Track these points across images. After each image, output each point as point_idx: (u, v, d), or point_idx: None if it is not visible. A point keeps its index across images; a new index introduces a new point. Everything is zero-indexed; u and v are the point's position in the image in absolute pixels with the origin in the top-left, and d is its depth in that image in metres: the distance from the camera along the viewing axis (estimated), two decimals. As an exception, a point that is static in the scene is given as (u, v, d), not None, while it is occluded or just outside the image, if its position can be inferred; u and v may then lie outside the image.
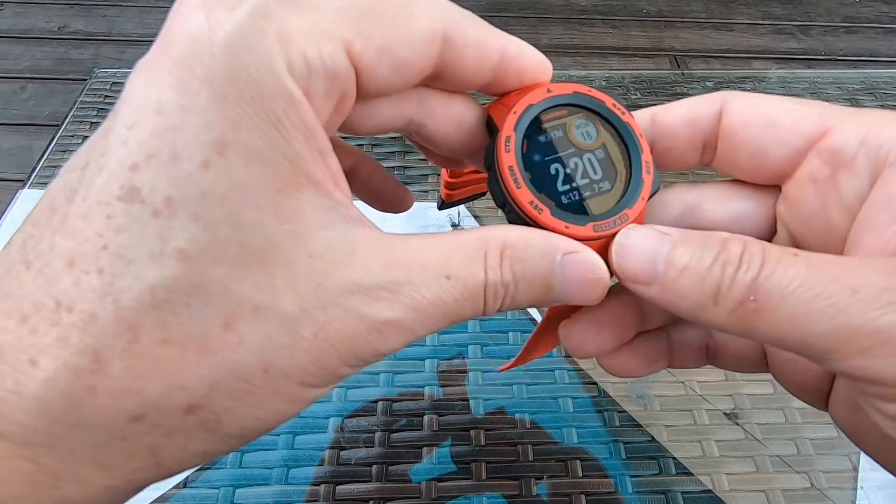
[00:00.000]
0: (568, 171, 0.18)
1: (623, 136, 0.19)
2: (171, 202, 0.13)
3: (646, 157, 0.19)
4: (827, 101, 0.57)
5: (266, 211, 0.14)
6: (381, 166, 0.24)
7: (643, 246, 0.17)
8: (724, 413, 0.36)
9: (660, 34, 0.76)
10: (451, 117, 0.19)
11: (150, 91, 0.14)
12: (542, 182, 0.18)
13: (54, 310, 0.13)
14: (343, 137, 0.23)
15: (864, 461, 0.34)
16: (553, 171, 0.18)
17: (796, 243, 0.19)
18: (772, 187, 0.20)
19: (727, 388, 0.37)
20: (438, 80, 0.18)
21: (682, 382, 0.37)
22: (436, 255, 0.16)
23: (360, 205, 0.21)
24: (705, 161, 0.20)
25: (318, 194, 0.15)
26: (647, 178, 0.19)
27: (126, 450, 0.14)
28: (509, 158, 0.18)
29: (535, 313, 0.40)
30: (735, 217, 0.20)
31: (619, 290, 0.19)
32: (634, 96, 0.56)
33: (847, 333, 0.14)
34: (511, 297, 0.17)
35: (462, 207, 0.47)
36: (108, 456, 0.14)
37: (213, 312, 0.14)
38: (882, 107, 0.57)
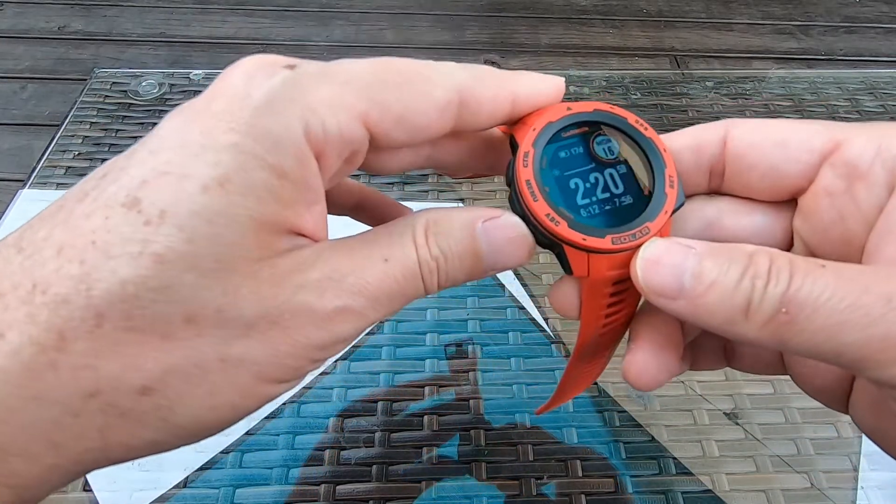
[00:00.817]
0: (588, 185, 0.19)
1: (646, 151, 0.19)
2: (164, 215, 0.15)
3: (669, 171, 0.19)
4: (827, 101, 0.57)
5: (245, 238, 0.16)
6: (383, 196, 0.25)
7: (668, 260, 0.17)
8: (724, 413, 0.36)
9: (660, 34, 0.76)
10: (463, 150, 0.21)
11: (179, 131, 0.16)
12: (561, 196, 0.18)
13: (30, 290, 0.15)
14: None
15: (864, 461, 0.34)
16: (573, 186, 0.18)
17: (813, 255, 0.19)
18: (788, 201, 0.20)
19: (727, 388, 0.37)
20: (455, 131, 0.19)
21: (683, 382, 0.37)
22: (374, 245, 0.18)
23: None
24: (713, 187, 0.21)
25: (295, 236, 0.17)
26: (671, 192, 0.19)
27: (77, 428, 0.15)
28: (527, 173, 0.18)
29: (535, 313, 0.40)
30: (753, 231, 0.20)
31: (657, 310, 0.19)
32: (634, 96, 0.56)
33: (882, 343, 0.14)
34: (445, 272, 0.18)
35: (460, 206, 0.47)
36: (59, 433, 0.15)
37: (178, 309, 0.15)
38: (882, 107, 0.57)
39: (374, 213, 0.25)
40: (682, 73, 0.61)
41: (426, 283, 0.18)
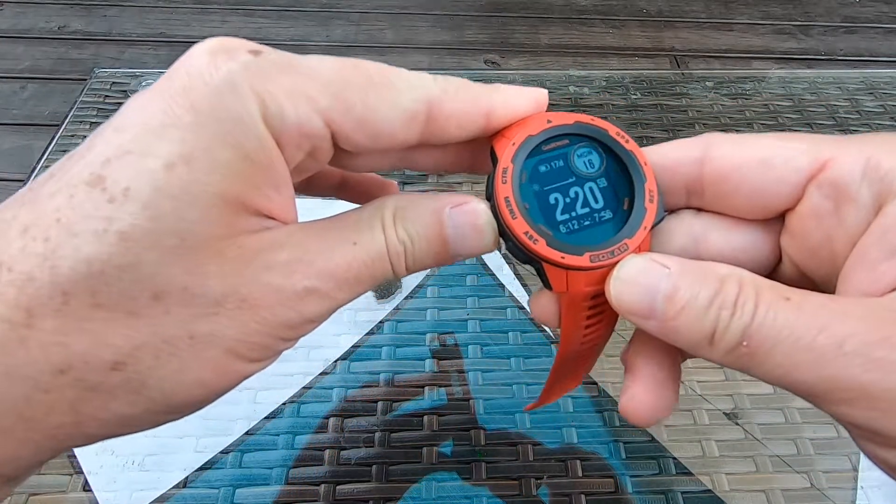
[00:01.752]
0: (568, 200, 0.18)
1: (626, 164, 0.19)
2: (127, 192, 0.15)
3: (649, 185, 0.19)
4: (827, 101, 0.57)
5: (210, 215, 0.16)
6: (366, 174, 0.25)
7: (642, 281, 0.17)
8: (724, 413, 0.36)
9: (660, 34, 0.76)
10: (437, 156, 0.20)
11: (143, 109, 0.16)
12: (540, 212, 0.18)
13: None
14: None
15: (864, 461, 0.34)
16: (552, 201, 0.18)
17: (802, 272, 0.19)
18: (778, 216, 0.20)
19: (727, 388, 0.37)
20: (424, 142, 0.19)
21: (683, 382, 0.37)
22: (342, 228, 0.18)
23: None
24: (693, 205, 0.20)
25: (262, 217, 0.17)
26: (651, 207, 0.18)
27: (48, 403, 0.15)
28: (505, 189, 0.18)
29: (535, 313, 0.40)
30: (741, 247, 0.20)
31: (656, 341, 0.19)
32: (634, 96, 0.56)
33: (832, 384, 0.15)
34: (412, 256, 0.18)
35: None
36: (30, 408, 0.15)
37: (144, 287, 0.15)
38: (882, 107, 0.57)
39: (358, 191, 0.24)
40: (682, 73, 0.61)
41: (394, 266, 0.18)
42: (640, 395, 0.19)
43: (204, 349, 0.16)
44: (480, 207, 0.19)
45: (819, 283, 0.19)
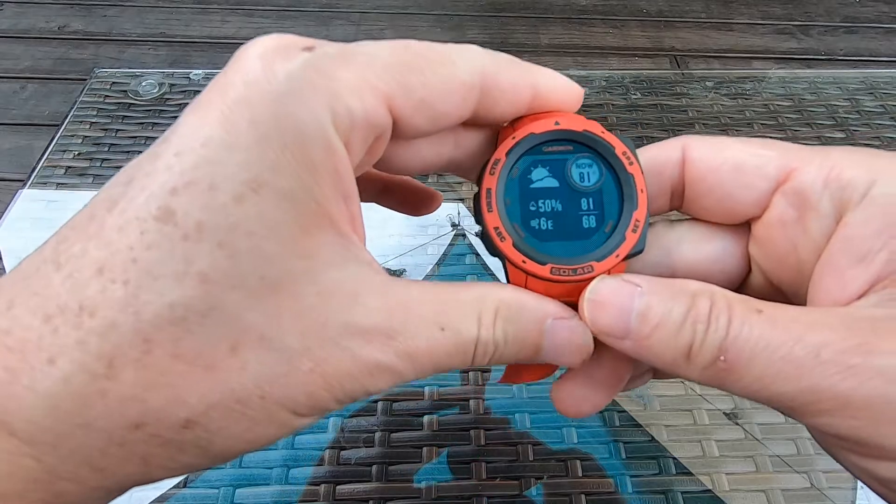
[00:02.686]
0: (550, 208, 0.18)
1: (622, 186, 0.18)
2: (201, 228, 0.14)
3: (638, 214, 0.18)
4: (827, 101, 0.57)
5: (287, 247, 0.15)
6: (408, 178, 0.24)
7: (616, 301, 0.17)
8: (724, 413, 0.36)
9: (660, 34, 0.76)
10: (482, 143, 0.20)
11: (201, 126, 0.15)
12: (518, 211, 0.18)
13: (77, 313, 0.14)
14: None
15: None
16: (534, 205, 0.18)
17: (769, 281, 0.20)
18: (747, 226, 0.20)
19: (727, 388, 0.37)
20: (475, 120, 0.18)
21: (682, 383, 0.37)
22: (433, 306, 0.17)
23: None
24: (674, 206, 0.20)
25: (337, 235, 0.16)
26: (631, 237, 0.18)
27: (122, 456, 0.15)
28: (490, 181, 0.18)
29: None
30: (713, 258, 0.20)
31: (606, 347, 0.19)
32: (634, 96, 0.56)
33: (812, 395, 0.15)
34: (500, 355, 0.18)
35: (461, 206, 0.47)
36: (105, 460, 0.15)
37: (223, 334, 0.15)
38: (882, 107, 0.57)
39: (400, 197, 0.24)
40: (682, 73, 0.61)
41: (476, 359, 0.17)
42: (569, 386, 0.19)
43: (273, 409, 0.15)
44: (582, 327, 0.18)
45: (788, 293, 0.19)
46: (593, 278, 0.18)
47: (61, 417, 0.14)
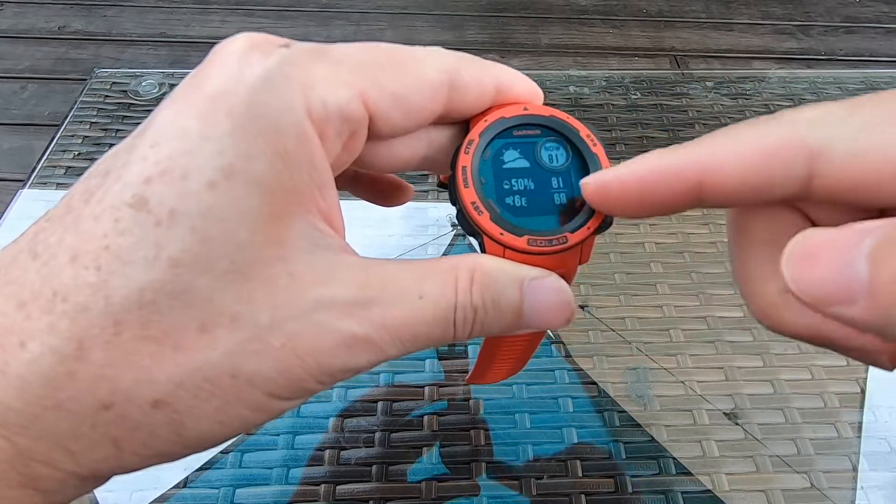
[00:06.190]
0: (523, 185, 0.19)
1: (588, 166, 0.19)
2: (173, 214, 0.15)
3: None
4: (827, 101, 0.57)
5: (259, 233, 0.15)
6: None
7: (832, 251, 0.12)
8: (724, 413, 0.36)
9: (660, 34, 0.76)
10: (453, 140, 0.20)
11: (177, 119, 0.16)
12: (493, 189, 0.19)
13: (50, 299, 0.14)
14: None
15: (864, 461, 0.34)
16: (507, 183, 0.19)
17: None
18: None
19: (727, 388, 0.37)
20: (446, 117, 0.19)
21: (682, 382, 0.37)
22: (409, 277, 0.17)
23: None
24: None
25: (309, 224, 0.16)
26: (600, 213, 0.19)
27: (93, 437, 0.15)
28: (465, 160, 0.19)
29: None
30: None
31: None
32: (634, 96, 0.56)
33: None
34: (481, 323, 0.17)
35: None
36: (76, 442, 0.15)
37: (193, 316, 0.15)
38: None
39: (370, 186, 0.24)
40: (682, 73, 0.61)
41: (457, 329, 0.17)
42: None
43: (245, 389, 0.15)
44: (561, 284, 0.18)
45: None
46: (568, 248, 0.18)
47: (31, 399, 0.14)
